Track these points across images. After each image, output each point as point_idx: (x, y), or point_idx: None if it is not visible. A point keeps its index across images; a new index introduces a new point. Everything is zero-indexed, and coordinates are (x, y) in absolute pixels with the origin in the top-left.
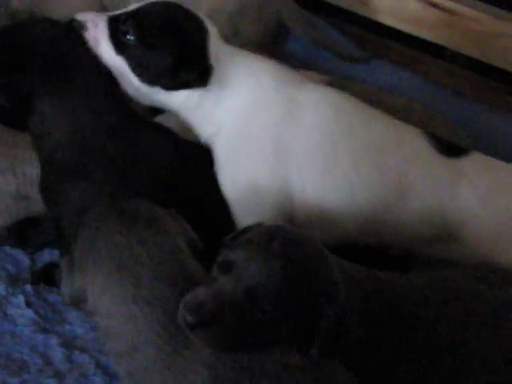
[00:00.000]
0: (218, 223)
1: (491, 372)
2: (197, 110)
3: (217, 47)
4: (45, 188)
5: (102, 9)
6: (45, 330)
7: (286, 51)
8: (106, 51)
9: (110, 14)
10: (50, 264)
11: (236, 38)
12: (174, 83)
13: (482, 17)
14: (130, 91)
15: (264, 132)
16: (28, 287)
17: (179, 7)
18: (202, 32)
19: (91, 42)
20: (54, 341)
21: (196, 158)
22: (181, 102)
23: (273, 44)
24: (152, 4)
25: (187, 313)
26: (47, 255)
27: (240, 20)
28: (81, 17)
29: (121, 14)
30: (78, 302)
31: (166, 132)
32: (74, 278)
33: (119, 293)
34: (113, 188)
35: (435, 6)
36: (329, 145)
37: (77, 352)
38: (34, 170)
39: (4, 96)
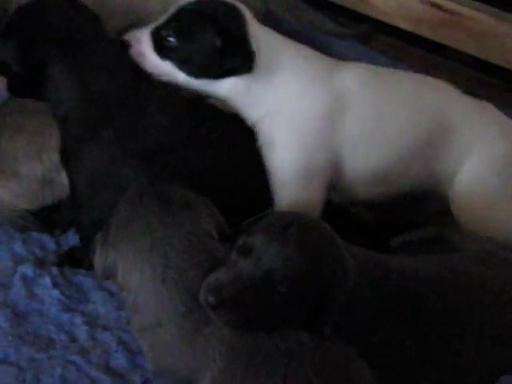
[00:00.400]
0: (237, 188)
1: (492, 347)
2: (245, 95)
3: (256, 32)
4: (63, 154)
5: None
6: (70, 309)
7: None
8: (152, 60)
9: (151, 26)
10: (74, 247)
11: None
12: (219, 72)
13: (481, 17)
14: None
15: (314, 111)
16: (54, 269)
17: (213, 0)
18: (239, 19)
19: (137, 57)
20: (78, 319)
21: (212, 121)
22: (229, 89)
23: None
24: (186, 4)
25: (209, 294)
26: (72, 239)
27: None
28: (126, 36)
29: (160, 23)
30: (109, 275)
31: (179, 96)
32: (107, 251)
33: (148, 271)
34: (123, 150)
35: (437, 6)
36: (376, 107)
37: (100, 330)
38: (59, 156)
39: (18, 64)
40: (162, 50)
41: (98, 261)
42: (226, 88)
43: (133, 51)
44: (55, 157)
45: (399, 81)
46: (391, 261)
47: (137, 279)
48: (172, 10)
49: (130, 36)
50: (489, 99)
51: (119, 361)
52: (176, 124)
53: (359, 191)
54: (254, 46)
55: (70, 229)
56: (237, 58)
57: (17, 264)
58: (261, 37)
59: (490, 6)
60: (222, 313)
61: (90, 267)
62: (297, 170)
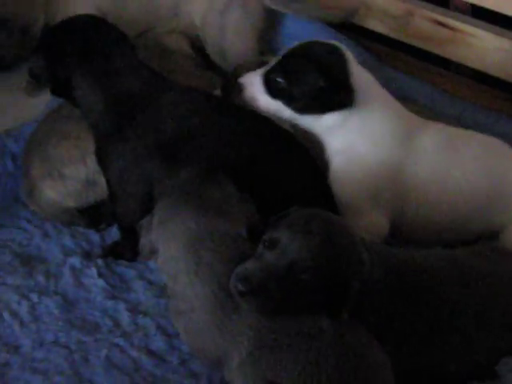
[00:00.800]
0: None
1: (486, 329)
2: (337, 129)
3: (356, 71)
4: (97, 156)
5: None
6: (114, 297)
7: (282, 33)
8: (264, 101)
9: (262, 70)
10: (117, 241)
11: (225, 36)
12: (323, 108)
13: (481, 33)
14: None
15: (389, 158)
16: (99, 261)
17: (317, 43)
18: (340, 59)
19: (250, 99)
20: (121, 306)
21: (230, 110)
22: (327, 123)
23: (267, 29)
24: (292, 48)
25: (238, 282)
26: (115, 233)
27: (228, 17)
28: (240, 80)
29: (270, 67)
30: (154, 255)
31: (195, 88)
32: (151, 237)
33: (183, 265)
34: (145, 146)
35: (443, 25)
36: (444, 168)
37: (141, 316)
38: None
39: (47, 78)
40: (272, 91)
41: (143, 240)
42: (325, 123)
43: (246, 93)
44: None
45: (467, 143)
46: (401, 252)
47: (173, 269)
48: (280, 53)
49: (244, 79)
50: (488, 107)
51: (158, 343)
52: (194, 114)
53: (414, 235)
54: (354, 85)
55: (113, 224)
56: (338, 94)
57: (66, 256)
58: (359, 76)
59: (489, 23)
60: (249, 299)
61: (131, 259)
62: (363, 200)
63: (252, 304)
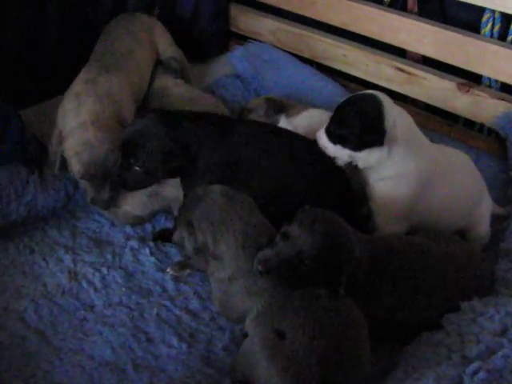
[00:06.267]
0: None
1: (434, 293)
2: (381, 162)
3: (392, 114)
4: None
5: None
6: (162, 270)
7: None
8: (330, 148)
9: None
10: (163, 229)
11: None
12: (362, 146)
13: (429, 76)
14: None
15: (414, 175)
16: (151, 243)
17: (359, 96)
18: (376, 107)
19: (323, 148)
20: (167, 277)
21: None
22: (374, 158)
23: None
24: (341, 103)
25: (258, 264)
26: (163, 223)
27: None
28: (317, 134)
29: (329, 120)
30: (201, 253)
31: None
32: (196, 236)
33: (231, 241)
34: (211, 175)
35: (401, 70)
36: (449, 182)
37: (182, 284)
38: None
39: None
40: (332, 139)
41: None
42: (372, 157)
43: (320, 144)
44: None
45: (459, 167)
46: (381, 238)
47: (222, 249)
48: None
49: (317, 134)
50: (436, 130)
51: (194, 304)
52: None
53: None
54: (388, 126)
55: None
56: (371, 135)
57: (127, 240)
58: (396, 118)
59: (435, 69)
60: (266, 277)
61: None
62: (397, 209)
63: (268, 280)
